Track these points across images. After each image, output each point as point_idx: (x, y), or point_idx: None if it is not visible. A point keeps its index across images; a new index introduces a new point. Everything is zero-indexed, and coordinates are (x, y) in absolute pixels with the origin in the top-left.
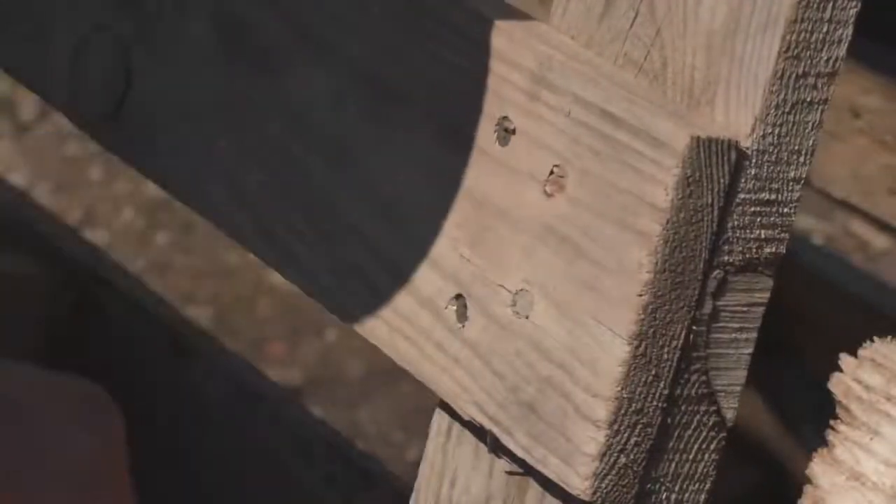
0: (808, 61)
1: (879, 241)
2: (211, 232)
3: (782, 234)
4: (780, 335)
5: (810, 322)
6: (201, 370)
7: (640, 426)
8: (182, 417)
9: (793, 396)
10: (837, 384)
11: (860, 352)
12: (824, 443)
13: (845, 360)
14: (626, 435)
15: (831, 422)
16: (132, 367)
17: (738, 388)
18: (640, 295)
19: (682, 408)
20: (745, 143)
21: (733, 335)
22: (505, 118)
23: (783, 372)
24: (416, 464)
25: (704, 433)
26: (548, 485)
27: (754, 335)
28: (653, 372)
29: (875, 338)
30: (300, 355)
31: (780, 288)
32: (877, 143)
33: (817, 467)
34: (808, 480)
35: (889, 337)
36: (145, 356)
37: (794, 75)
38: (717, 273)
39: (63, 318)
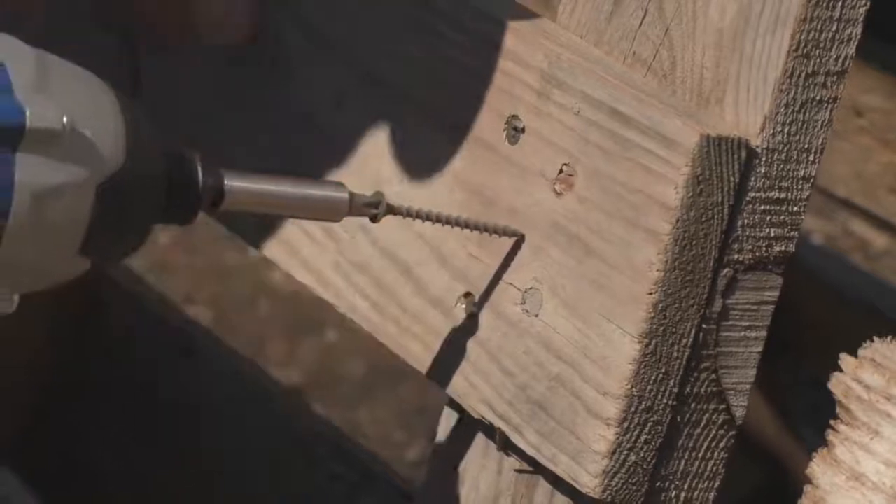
0: (818, 60)
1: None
2: (211, 232)
3: (792, 233)
4: (780, 335)
5: (810, 322)
6: (202, 370)
7: (649, 424)
8: (183, 417)
9: (793, 396)
10: (837, 384)
11: (860, 352)
12: (824, 443)
13: (845, 360)
14: (636, 433)
15: (831, 422)
16: (133, 366)
17: (748, 387)
18: (650, 293)
19: (692, 406)
20: (755, 142)
21: (743, 333)
22: (514, 117)
23: (783, 372)
24: (417, 464)
25: (714, 431)
26: (557, 482)
27: (764, 333)
28: (663, 370)
29: (875, 338)
30: (300, 355)
31: (781, 288)
32: (879, 142)
33: (817, 467)
34: (808, 480)
35: (889, 337)
36: (146, 356)
37: (803, 74)
38: (726, 271)
39: (64, 318)
